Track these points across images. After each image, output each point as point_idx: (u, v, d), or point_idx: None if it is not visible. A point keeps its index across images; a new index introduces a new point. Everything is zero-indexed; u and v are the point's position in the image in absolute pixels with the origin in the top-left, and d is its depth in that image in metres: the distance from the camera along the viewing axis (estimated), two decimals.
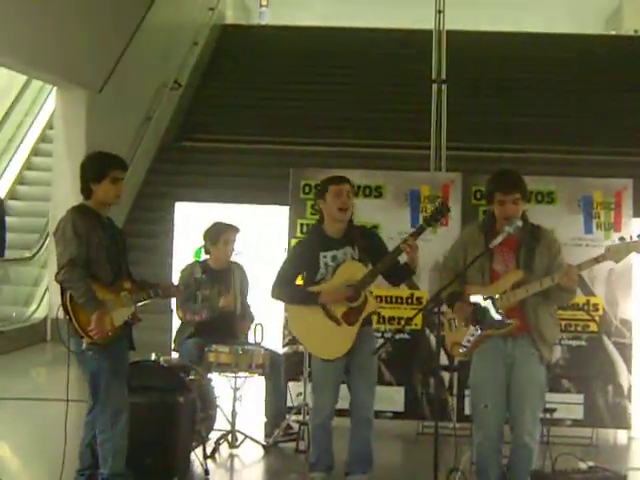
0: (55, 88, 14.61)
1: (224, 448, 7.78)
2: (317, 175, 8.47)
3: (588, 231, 8.42)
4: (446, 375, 8.37)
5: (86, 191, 6.18)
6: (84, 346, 5.94)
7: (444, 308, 6.35)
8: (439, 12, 17.66)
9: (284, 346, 8.39)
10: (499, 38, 20.63)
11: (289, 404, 8.35)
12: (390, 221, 8.48)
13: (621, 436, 8.59)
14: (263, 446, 7.88)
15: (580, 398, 8.40)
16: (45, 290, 14.17)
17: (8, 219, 15.62)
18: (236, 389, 7.76)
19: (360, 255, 6.61)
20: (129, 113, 16.03)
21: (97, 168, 6.16)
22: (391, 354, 8.52)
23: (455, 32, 17.87)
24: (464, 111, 16.78)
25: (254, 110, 17.97)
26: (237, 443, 7.81)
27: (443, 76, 16.03)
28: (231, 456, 7.75)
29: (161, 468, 6.72)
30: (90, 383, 6.11)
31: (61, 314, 6.00)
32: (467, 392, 7.75)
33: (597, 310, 8.39)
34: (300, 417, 8.09)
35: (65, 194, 12.27)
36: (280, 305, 7.40)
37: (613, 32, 23.99)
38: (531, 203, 6.51)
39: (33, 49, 12.36)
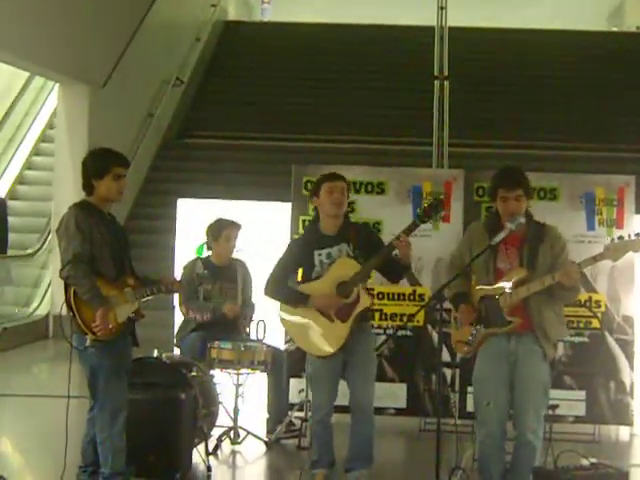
0: (57, 84, 14.60)
1: (226, 444, 7.78)
2: (319, 172, 8.41)
3: (590, 228, 8.41)
4: (448, 372, 8.37)
5: (88, 187, 6.18)
6: (88, 342, 5.94)
7: (448, 305, 6.36)
8: (441, 9, 17.65)
9: (286, 342, 8.39)
10: (501, 35, 20.64)
11: (291, 401, 8.35)
12: (392, 217, 8.46)
13: (623, 432, 8.58)
14: (265, 442, 7.88)
15: (582, 395, 8.40)
16: (47, 287, 14.16)
17: (16, 204, 15.70)
18: (238, 385, 7.77)
19: (356, 251, 6.59)
20: (131, 109, 16.03)
21: (99, 164, 6.15)
22: (393, 351, 8.52)
23: (457, 29, 17.89)
24: (466, 107, 16.76)
25: (256, 107, 17.97)
26: (239, 439, 7.81)
27: (445, 72, 16.03)
28: (233, 452, 7.76)
29: (163, 464, 6.72)
30: (89, 380, 6.11)
31: (64, 311, 6.00)
32: (469, 389, 7.73)
33: (599, 307, 8.38)
34: (302, 414, 8.10)
35: (67, 191, 12.29)
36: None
37: (615, 29, 23.98)
38: (533, 200, 6.49)
39: (35, 45, 12.36)
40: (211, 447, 7.39)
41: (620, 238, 5.85)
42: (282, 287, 6.71)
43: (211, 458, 7.22)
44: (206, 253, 8.53)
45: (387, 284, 8.14)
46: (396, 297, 8.54)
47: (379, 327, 8.45)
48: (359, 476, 6.60)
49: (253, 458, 7.74)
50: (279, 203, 9.69)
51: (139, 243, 13.22)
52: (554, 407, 7.19)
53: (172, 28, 18.04)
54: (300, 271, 6.81)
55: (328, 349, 6.53)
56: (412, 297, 8.54)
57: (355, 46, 20.05)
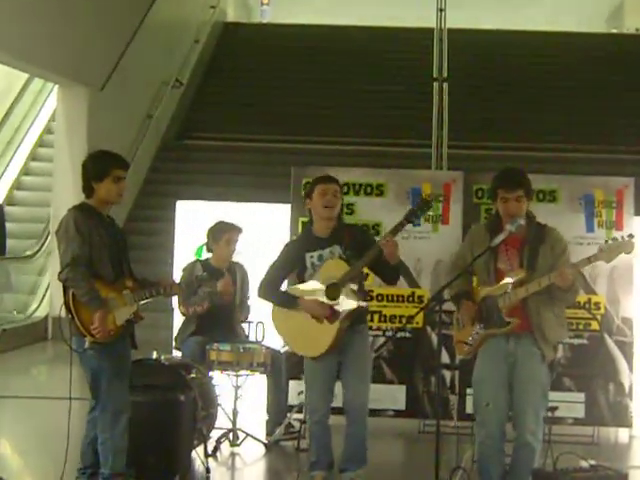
0: (56, 86, 14.60)
1: (225, 446, 7.78)
2: (318, 173, 8.44)
3: (590, 230, 8.42)
4: (447, 373, 8.37)
5: (88, 190, 6.18)
6: (86, 345, 5.94)
7: (451, 306, 6.37)
8: (440, 10, 17.68)
9: (285, 344, 8.38)
10: (500, 36, 20.64)
11: (290, 402, 8.35)
12: (391, 219, 8.33)
13: (622, 434, 8.58)
14: (264, 444, 7.88)
15: (581, 396, 8.40)
16: (46, 288, 14.16)
17: (14, 209, 15.69)
18: (237, 387, 7.77)
19: (348, 253, 6.58)
20: (131, 111, 16.04)
21: (99, 167, 6.16)
22: (392, 352, 8.52)
23: (456, 30, 17.91)
24: (465, 109, 16.78)
25: (255, 108, 17.97)
26: (238, 441, 7.81)
27: (444, 74, 16.05)
28: (232, 454, 7.76)
29: (163, 466, 6.72)
30: (91, 382, 6.11)
31: (64, 313, 6.00)
32: (469, 390, 7.74)
33: (599, 308, 8.38)
34: (301, 416, 8.08)
35: (66, 193, 12.29)
36: None
37: (614, 30, 23.98)
38: (533, 201, 6.48)
39: (34, 47, 12.36)
40: (210, 449, 7.39)
41: (614, 240, 5.87)
42: (274, 290, 6.73)
43: (210, 460, 7.22)
44: (205, 255, 8.53)
45: (386, 286, 8.15)
46: (395, 299, 8.54)
47: (378, 329, 8.45)
48: (354, 477, 6.60)
49: (252, 460, 7.73)
50: (278, 205, 9.69)
51: (138, 245, 13.23)
52: (553, 409, 7.19)
53: (171, 29, 18.05)
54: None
55: (317, 350, 6.54)
56: (411, 299, 8.54)
57: (354, 48, 20.06)
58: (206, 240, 8.37)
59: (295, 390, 8.39)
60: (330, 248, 6.63)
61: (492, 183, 6.29)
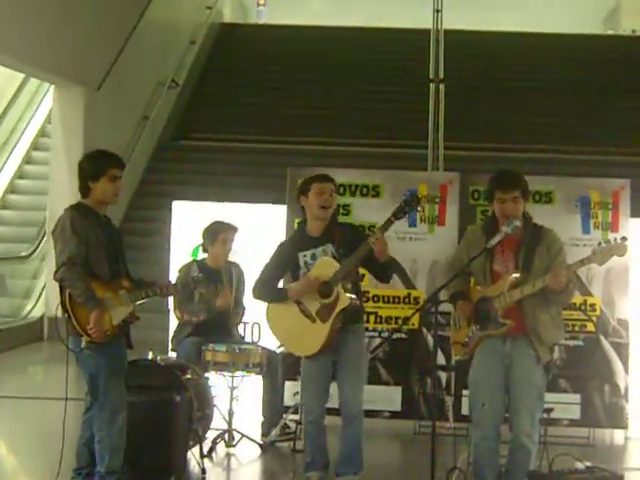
0: (53, 86, 14.59)
1: (221, 447, 7.78)
2: (314, 174, 8.46)
3: (586, 231, 8.42)
4: (443, 375, 8.36)
5: (84, 189, 6.19)
6: (83, 345, 5.95)
7: (447, 307, 6.37)
8: (437, 11, 17.68)
9: (281, 345, 8.37)
10: (497, 38, 20.63)
11: (286, 403, 8.34)
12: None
13: (618, 436, 8.59)
14: (260, 445, 7.88)
15: (577, 398, 8.40)
16: (42, 288, 14.15)
17: (7, 213, 15.68)
18: (233, 388, 7.77)
19: (340, 251, 6.58)
20: (127, 111, 16.02)
21: (95, 166, 6.16)
22: (388, 354, 8.51)
23: (453, 31, 17.90)
24: (461, 110, 16.78)
25: (251, 109, 17.96)
26: (234, 442, 7.81)
27: (441, 75, 16.05)
28: (228, 455, 7.76)
29: (158, 467, 6.73)
30: (88, 382, 6.12)
31: (60, 313, 6.00)
32: (464, 392, 7.75)
33: (594, 310, 8.38)
34: (297, 416, 8.07)
35: (63, 192, 12.29)
36: None
37: (611, 32, 24.00)
38: (529, 203, 6.49)
39: (30, 47, 12.35)
40: (206, 449, 7.39)
41: (607, 242, 5.88)
42: (268, 288, 6.74)
43: (206, 461, 7.21)
44: (201, 255, 8.53)
45: (382, 287, 8.16)
46: (391, 300, 8.53)
47: (374, 330, 8.44)
48: None
49: (248, 461, 7.73)
50: (274, 205, 9.69)
51: (134, 245, 13.22)
52: (549, 410, 7.19)
53: (167, 30, 18.04)
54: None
55: (310, 349, 6.55)
56: (407, 300, 8.54)
57: (351, 49, 20.05)
58: (202, 240, 8.37)
59: (291, 391, 8.39)
60: (323, 247, 6.63)
61: (489, 184, 6.30)
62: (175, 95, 18.35)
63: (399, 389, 8.54)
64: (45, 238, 14.20)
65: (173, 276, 8.69)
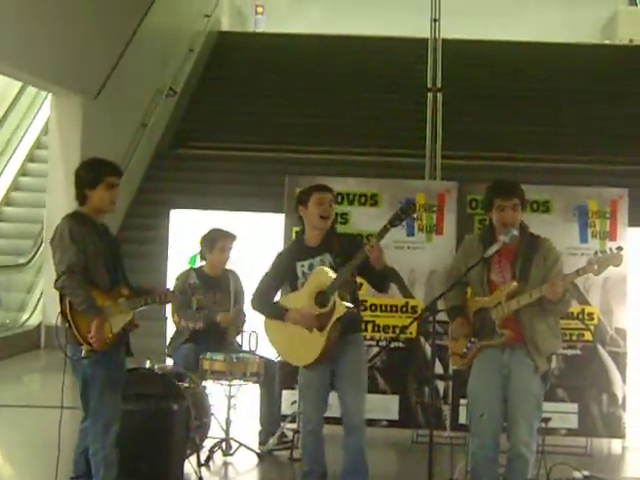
0: (50, 94, 14.60)
1: (218, 456, 7.76)
2: (312, 183, 8.42)
3: (583, 240, 8.42)
4: (441, 384, 8.36)
5: (81, 198, 6.18)
6: (83, 353, 5.93)
7: (445, 316, 6.37)
8: (435, 21, 17.70)
9: (278, 354, 8.37)
10: (494, 47, 20.65)
11: (283, 412, 8.34)
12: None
13: (615, 445, 8.57)
14: (257, 454, 7.87)
15: (574, 407, 8.39)
16: (39, 297, 14.13)
17: (2, 225, 15.66)
18: (230, 397, 7.76)
19: (338, 261, 6.57)
20: (124, 120, 16.02)
21: (92, 174, 6.16)
22: (386, 362, 8.51)
23: (450, 41, 17.92)
24: (459, 120, 16.79)
25: (249, 117, 17.96)
26: (231, 451, 7.80)
27: (439, 84, 16.07)
28: (225, 464, 7.74)
29: (155, 475, 6.72)
30: (82, 392, 6.09)
31: (59, 321, 5.98)
32: (462, 401, 7.75)
33: (592, 319, 8.39)
34: (294, 425, 8.08)
35: (60, 201, 12.29)
36: None
37: (608, 41, 24.04)
38: (527, 212, 6.50)
39: (28, 55, 12.35)
40: (203, 458, 7.38)
41: (603, 252, 5.89)
42: (265, 301, 6.73)
43: (203, 469, 7.21)
44: (199, 263, 8.53)
45: (380, 296, 8.15)
46: (389, 309, 8.54)
47: (372, 339, 8.44)
48: None
49: (245, 469, 7.72)
50: (272, 214, 9.69)
51: (131, 253, 13.19)
52: (546, 420, 7.18)
53: (165, 38, 18.04)
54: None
55: (308, 359, 6.53)
56: (405, 309, 8.54)
57: (348, 57, 20.07)
58: (200, 248, 8.37)
59: (288, 400, 8.39)
60: (320, 256, 6.62)
61: (487, 193, 6.31)
62: (173, 103, 18.35)
63: (396, 398, 8.54)
64: (42, 246, 14.19)
65: (170, 284, 8.68)
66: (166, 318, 8.95)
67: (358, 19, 23.43)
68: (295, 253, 6.74)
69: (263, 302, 6.72)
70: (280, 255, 6.96)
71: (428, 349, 8.33)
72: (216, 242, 8.28)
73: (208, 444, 7.70)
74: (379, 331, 8.51)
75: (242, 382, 7.76)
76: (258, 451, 7.91)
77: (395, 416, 8.54)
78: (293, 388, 8.27)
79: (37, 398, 10.47)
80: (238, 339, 8.35)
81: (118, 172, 6.30)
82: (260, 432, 8.16)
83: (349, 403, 6.54)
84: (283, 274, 6.74)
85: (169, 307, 8.35)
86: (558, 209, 8.53)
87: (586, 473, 7.04)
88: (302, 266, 6.64)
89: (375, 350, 8.41)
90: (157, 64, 17.48)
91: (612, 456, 8.48)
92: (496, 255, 6.09)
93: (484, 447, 6.08)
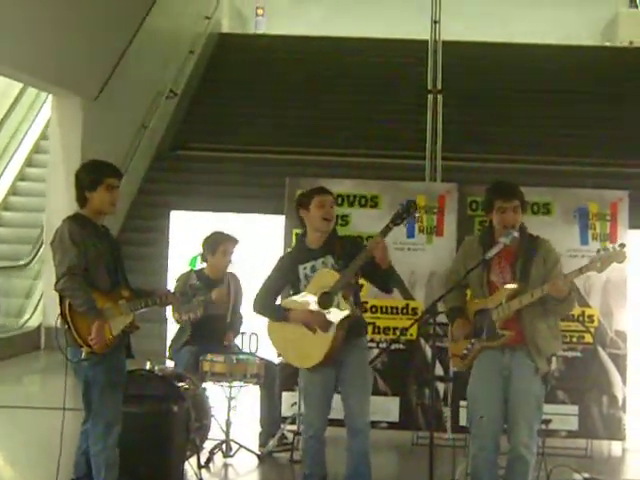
0: (50, 96, 14.60)
1: (218, 457, 7.76)
2: (313, 184, 8.39)
3: (584, 242, 8.42)
4: (441, 386, 8.35)
5: (81, 200, 6.18)
6: (83, 355, 5.93)
7: (445, 318, 6.37)
8: (435, 22, 17.68)
9: (279, 356, 8.37)
10: (495, 49, 20.66)
11: (283, 414, 8.34)
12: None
13: (615, 447, 8.56)
14: (257, 456, 7.87)
15: (575, 409, 8.38)
16: (39, 298, 14.13)
17: (1, 230, 15.66)
18: (231, 398, 7.75)
19: (340, 262, 6.56)
20: (125, 121, 16.03)
21: (92, 176, 6.16)
22: (386, 364, 8.50)
23: (451, 43, 17.91)
24: (459, 121, 16.79)
25: (250, 119, 17.96)
26: (231, 453, 7.80)
27: (439, 86, 16.06)
28: (225, 466, 7.74)
29: (155, 477, 6.71)
30: (84, 394, 6.09)
31: (59, 323, 5.98)
32: (462, 403, 7.75)
33: (592, 321, 8.39)
34: (294, 427, 8.08)
35: (60, 202, 12.29)
36: None
37: (608, 43, 24.03)
38: (527, 214, 6.51)
39: (29, 57, 12.36)
40: (203, 460, 7.38)
41: (605, 250, 5.88)
42: (267, 304, 6.70)
43: (203, 471, 7.22)
44: (199, 265, 8.53)
45: (380, 298, 8.16)
46: (389, 310, 8.54)
47: (372, 340, 8.42)
48: None
49: (245, 471, 7.72)
50: (272, 216, 9.69)
51: (132, 255, 13.20)
52: (547, 422, 7.18)
53: (166, 40, 18.04)
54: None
55: (312, 360, 6.50)
56: (405, 311, 8.54)
57: (349, 59, 20.08)
58: (202, 250, 8.36)
59: (288, 401, 8.39)
60: (322, 259, 6.61)
61: (487, 194, 6.31)
62: (173, 105, 18.36)
63: (397, 400, 8.54)
64: (42, 247, 14.19)
65: (171, 285, 8.67)
66: (166, 320, 8.95)
67: (358, 21, 23.42)
68: (297, 256, 6.73)
69: (265, 305, 6.70)
70: (282, 258, 6.96)
71: (428, 351, 8.33)
72: (218, 245, 8.27)
73: (208, 446, 7.69)
74: (379, 333, 8.51)
75: (242, 384, 7.75)
76: (258, 453, 7.91)
77: (395, 418, 8.54)
78: (293, 390, 8.28)
79: (37, 399, 10.47)
80: (238, 341, 8.35)
81: (118, 174, 6.30)
82: (260, 434, 8.16)
83: (353, 406, 6.52)
84: (285, 277, 6.73)
85: (169, 308, 8.34)
86: (558, 211, 8.53)
87: (586, 475, 7.04)
88: (304, 269, 6.62)
89: (375, 352, 8.40)
90: (158, 66, 17.48)
91: (612, 458, 8.47)
92: (496, 257, 6.09)
93: (484, 449, 6.07)
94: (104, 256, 6.10)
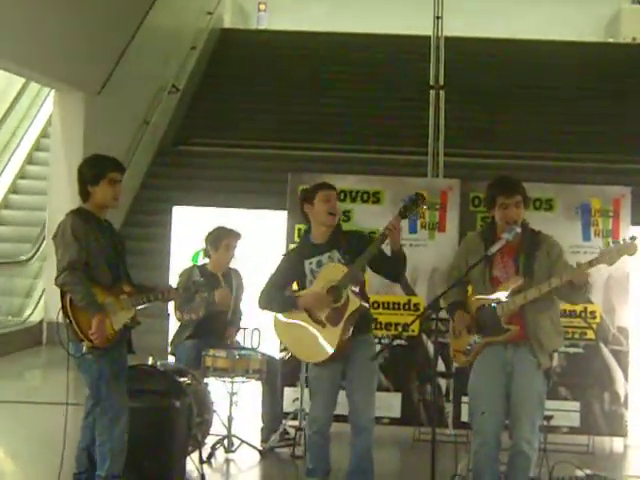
0: (52, 91, 14.59)
1: (220, 453, 7.77)
2: (315, 180, 8.44)
3: (586, 238, 8.42)
4: (443, 382, 8.36)
5: (84, 194, 6.18)
6: (84, 350, 5.94)
7: (443, 315, 6.36)
8: (437, 18, 17.65)
9: (281, 351, 8.37)
10: (497, 45, 20.65)
11: (285, 409, 8.34)
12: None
13: (617, 444, 8.56)
14: (259, 451, 7.87)
15: (577, 405, 8.39)
16: (41, 293, 14.13)
17: (2, 228, 15.66)
18: (232, 394, 7.75)
19: (346, 257, 6.56)
20: (127, 116, 16.02)
21: (94, 170, 6.16)
22: (388, 360, 8.50)
23: (453, 38, 17.89)
24: (462, 117, 16.78)
25: (252, 114, 17.97)
26: (233, 448, 7.80)
27: (441, 82, 16.04)
28: (227, 461, 7.75)
29: (157, 472, 6.71)
30: (90, 387, 6.10)
31: (61, 318, 5.99)
32: (464, 398, 7.74)
33: (594, 317, 8.38)
34: (296, 422, 8.08)
35: (62, 197, 12.27)
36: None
37: (611, 40, 24.01)
38: (529, 210, 6.50)
39: (31, 52, 12.35)
40: (205, 455, 7.38)
41: (615, 243, 5.89)
42: (274, 297, 6.68)
43: (205, 466, 7.20)
44: (202, 261, 8.52)
45: (382, 293, 8.17)
46: (391, 306, 8.54)
47: (374, 336, 8.41)
48: None
49: (247, 467, 7.73)
50: (275, 211, 9.68)
51: (134, 250, 13.15)
52: (549, 418, 7.19)
53: (168, 35, 18.04)
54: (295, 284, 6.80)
55: (322, 355, 6.49)
56: (407, 306, 8.54)
57: (351, 55, 20.08)
58: (205, 245, 8.36)
59: (290, 397, 8.39)
60: (329, 253, 6.61)
61: (488, 190, 6.30)
62: (176, 100, 18.36)
63: (399, 395, 8.54)
64: (44, 242, 14.19)
65: (173, 281, 8.67)
66: (168, 315, 8.94)
67: (360, 16, 23.40)
68: (302, 251, 6.72)
69: (271, 298, 6.67)
70: (287, 254, 6.98)
71: (430, 347, 8.34)
72: (221, 240, 8.27)
73: (210, 441, 7.70)
74: (381, 329, 8.50)
75: (244, 379, 7.74)
76: (260, 448, 7.91)
77: (397, 414, 8.54)
78: (295, 385, 8.28)
79: (39, 394, 10.47)
80: (239, 337, 8.34)
81: (120, 168, 6.30)
82: (262, 429, 8.16)
83: (358, 403, 6.52)
84: (291, 273, 6.72)
85: (171, 305, 8.34)
86: (561, 207, 8.53)
87: (588, 471, 7.02)
88: (310, 264, 6.62)
89: (377, 348, 8.39)
90: (160, 61, 17.48)
91: (614, 454, 8.47)
92: (498, 252, 6.08)
93: (486, 445, 6.06)
94: (106, 251, 6.10)
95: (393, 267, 6.67)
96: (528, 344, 6.03)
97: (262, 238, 9.57)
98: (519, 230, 6.06)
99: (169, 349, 8.45)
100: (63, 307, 5.95)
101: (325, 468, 6.63)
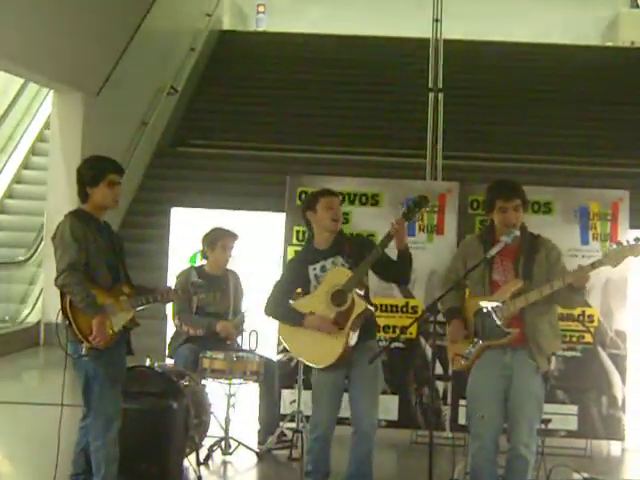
0: (52, 91, 14.59)
1: (217, 455, 7.76)
2: (313, 182, 8.50)
3: (584, 242, 8.42)
4: (440, 384, 8.35)
5: (83, 195, 6.18)
6: (83, 351, 5.93)
7: (441, 318, 6.35)
8: (436, 21, 17.66)
9: (278, 353, 8.37)
10: (496, 48, 20.66)
11: (283, 411, 8.33)
12: (386, 230, 8.43)
13: (615, 447, 8.56)
14: (256, 453, 7.86)
15: (574, 409, 8.39)
16: (39, 294, 14.12)
17: (4, 218, 15.65)
18: (230, 396, 7.74)
19: (350, 261, 6.57)
20: (126, 117, 16.01)
21: (93, 172, 6.15)
22: (385, 362, 8.47)
23: (452, 41, 17.90)
24: (460, 120, 16.78)
25: (251, 116, 17.96)
26: (230, 450, 7.79)
27: (440, 85, 16.05)
28: (224, 463, 7.74)
29: (154, 473, 6.71)
30: (83, 389, 6.09)
31: (60, 319, 5.98)
32: (462, 402, 7.74)
33: (592, 321, 8.38)
34: (294, 425, 8.07)
35: (61, 198, 12.29)
36: None
37: (609, 43, 24.03)
38: (528, 213, 6.51)
39: (30, 52, 12.35)
40: (202, 457, 7.38)
41: (618, 244, 5.89)
42: (280, 306, 6.68)
43: (202, 468, 7.21)
44: (199, 262, 8.52)
45: (380, 296, 8.15)
46: (389, 309, 8.53)
47: None
48: None
49: (244, 469, 7.72)
50: (273, 213, 9.68)
51: (132, 251, 13.03)
52: (546, 421, 7.19)
53: (167, 37, 18.03)
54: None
55: (328, 359, 6.48)
56: (405, 309, 8.54)
57: (350, 57, 20.08)
58: (202, 246, 8.36)
59: (288, 399, 8.38)
60: (332, 259, 6.62)
61: (487, 194, 6.31)
62: (174, 101, 18.35)
63: (396, 398, 8.53)
64: (41, 246, 14.17)
65: (171, 282, 8.66)
66: (166, 317, 8.94)
67: (359, 19, 23.41)
68: (306, 257, 6.73)
69: (278, 309, 6.67)
70: (291, 261, 7.00)
71: (428, 350, 8.34)
72: (217, 241, 8.27)
73: (207, 443, 7.70)
74: (379, 331, 8.45)
75: (242, 381, 7.74)
76: (257, 450, 7.90)
77: (395, 416, 8.53)
78: (293, 387, 8.27)
79: (36, 395, 10.46)
80: (238, 339, 8.34)
81: (120, 169, 6.29)
82: (259, 431, 8.16)
83: (361, 408, 6.50)
84: (295, 279, 6.72)
85: (169, 306, 8.33)
86: (559, 210, 8.53)
87: (586, 475, 7.03)
88: (314, 269, 6.63)
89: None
90: (158, 62, 17.47)
91: (612, 458, 8.47)
92: (497, 255, 6.08)
93: (484, 448, 6.06)
94: (105, 252, 6.10)
95: (401, 269, 6.67)
96: (527, 347, 6.03)
97: (260, 240, 9.56)
98: (518, 233, 6.06)
99: (167, 352, 8.44)
100: (63, 308, 5.94)
101: (325, 470, 6.62)
